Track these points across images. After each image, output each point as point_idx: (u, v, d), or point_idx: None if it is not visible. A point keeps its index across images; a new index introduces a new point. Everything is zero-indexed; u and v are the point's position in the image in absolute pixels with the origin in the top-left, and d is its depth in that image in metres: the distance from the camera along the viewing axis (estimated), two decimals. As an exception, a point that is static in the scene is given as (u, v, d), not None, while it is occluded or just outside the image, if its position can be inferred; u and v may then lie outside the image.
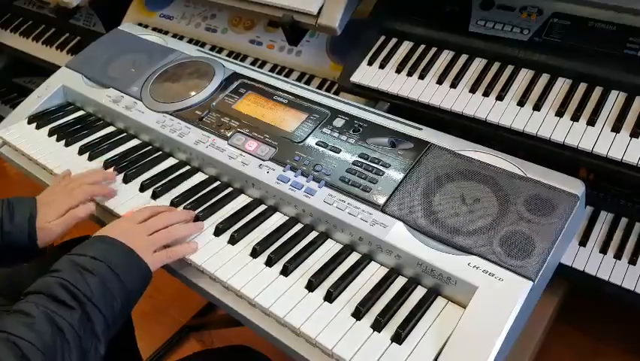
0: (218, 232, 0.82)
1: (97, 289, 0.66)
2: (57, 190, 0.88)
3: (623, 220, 1.02)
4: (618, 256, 0.97)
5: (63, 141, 1.04)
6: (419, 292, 0.71)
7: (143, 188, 0.91)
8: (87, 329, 0.63)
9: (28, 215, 0.81)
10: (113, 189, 0.91)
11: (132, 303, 0.71)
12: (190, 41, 1.46)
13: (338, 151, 0.87)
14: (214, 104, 1.01)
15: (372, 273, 0.75)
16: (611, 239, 1.00)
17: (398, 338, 0.65)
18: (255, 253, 0.78)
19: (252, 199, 0.89)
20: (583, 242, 1.00)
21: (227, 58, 1.15)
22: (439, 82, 1.00)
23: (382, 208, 0.77)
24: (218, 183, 0.93)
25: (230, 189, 0.91)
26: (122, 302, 0.68)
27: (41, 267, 0.94)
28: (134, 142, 1.04)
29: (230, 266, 0.76)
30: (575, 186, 0.75)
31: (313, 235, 0.81)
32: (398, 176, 0.81)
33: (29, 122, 1.10)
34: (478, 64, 1.01)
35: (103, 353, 0.65)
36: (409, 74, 1.03)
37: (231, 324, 1.45)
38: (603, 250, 0.98)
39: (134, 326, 1.17)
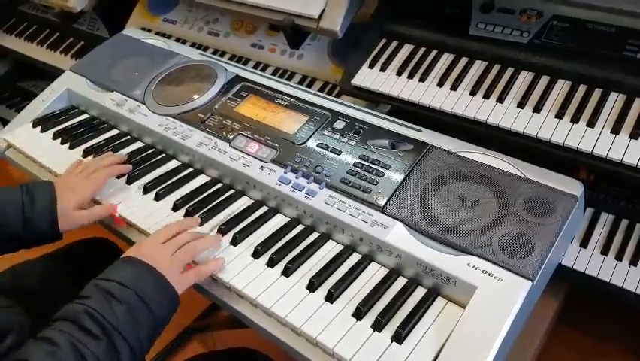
0: (220, 233, 0.82)
1: (124, 318, 0.64)
2: (74, 174, 0.90)
3: (624, 222, 1.02)
4: (619, 257, 0.97)
5: (67, 144, 1.05)
6: (419, 293, 0.72)
7: (146, 190, 0.92)
8: (113, 360, 0.62)
9: (49, 200, 0.81)
10: (129, 167, 0.95)
11: (160, 330, 0.70)
12: (193, 45, 1.47)
13: (339, 153, 0.87)
14: (216, 107, 1.02)
15: (373, 273, 0.75)
16: (612, 240, 0.99)
17: (398, 337, 0.65)
18: (256, 254, 0.78)
19: (253, 201, 0.90)
20: (584, 243, 1.00)
21: (229, 61, 1.16)
22: (440, 84, 1.01)
23: (382, 209, 0.78)
24: (220, 185, 0.94)
25: (232, 191, 0.92)
26: (150, 331, 0.67)
27: (44, 269, 0.95)
28: (137, 145, 1.05)
29: (232, 267, 0.77)
30: (574, 187, 0.75)
31: (314, 235, 0.82)
32: (398, 177, 0.81)
33: (34, 126, 1.11)
34: (479, 66, 1.01)
35: None
36: (410, 76, 1.04)
37: (234, 326, 1.45)
38: (604, 252, 0.98)
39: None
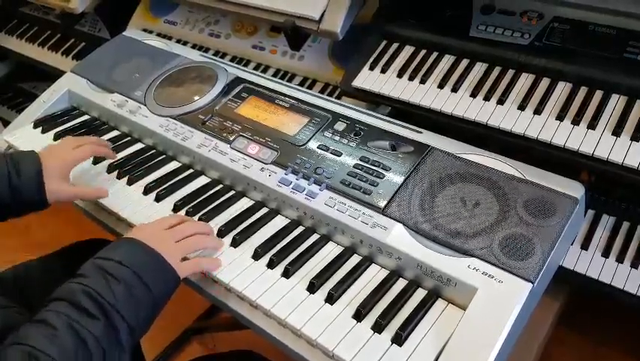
0: (220, 234, 0.82)
1: (122, 296, 0.64)
2: (61, 146, 0.91)
3: (625, 224, 1.02)
4: (620, 259, 0.97)
5: (68, 145, 1.05)
6: (419, 294, 0.72)
7: (146, 191, 0.92)
8: (111, 339, 0.62)
9: (35, 168, 0.82)
10: (114, 154, 0.97)
11: (158, 310, 0.69)
12: (194, 47, 1.48)
13: (339, 154, 0.87)
14: (217, 108, 1.02)
15: (373, 275, 0.75)
16: (612, 243, 1.00)
17: (398, 339, 0.65)
18: (256, 256, 0.78)
19: (253, 202, 0.89)
20: (585, 246, 1.00)
21: (230, 63, 1.16)
22: (440, 86, 1.01)
23: (383, 211, 0.78)
24: (220, 186, 0.93)
25: (232, 192, 0.92)
26: (148, 309, 0.67)
27: (45, 270, 0.95)
28: (138, 146, 1.05)
29: (232, 268, 0.77)
30: (575, 189, 0.75)
31: (314, 237, 0.82)
32: (399, 179, 0.81)
33: (35, 127, 1.11)
34: (479, 68, 1.01)
35: None
36: (411, 78, 1.04)
37: (234, 327, 1.45)
38: (605, 254, 0.98)
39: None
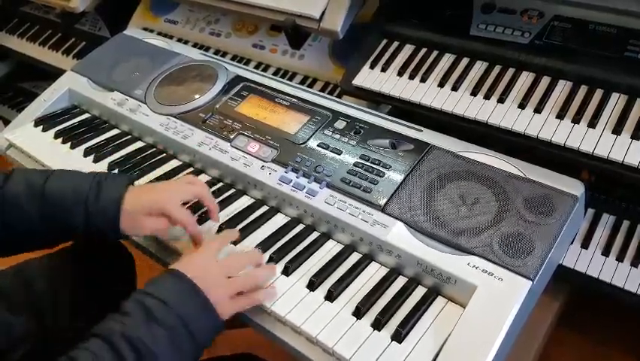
0: (220, 232, 0.82)
1: (163, 345, 0.59)
2: (165, 184, 0.84)
3: (625, 223, 1.03)
4: (620, 258, 0.97)
5: (69, 144, 1.05)
6: (419, 292, 0.72)
7: (146, 189, 0.92)
8: None
9: (115, 197, 0.73)
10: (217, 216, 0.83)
11: (198, 357, 0.64)
12: (194, 45, 1.48)
13: (339, 153, 0.87)
14: (217, 106, 1.02)
15: (373, 273, 0.75)
16: (613, 242, 1.00)
17: (398, 336, 0.65)
18: (256, 254, 0.78)
19: (254, 200, 0.90)
20: (585, 244, 1.00)
21: (230, 61, 1.16)
22: (441, 85, 1.01)
23: (383, 209, 0.78)
24: (220, 184, 0.94)
25: (232, 191, 0.92)
26: (189, 359, 0.62)
27: (49, 268, 0.93)
28: (138, 144, 1.05)
29: (232, 266, 0.77)
30: (575, 187, 0.75)
31: (314, 235, 0.82)
32: (398, 177, 0.81)
33: (35, 125, 1.12)
34: (480, 67, 1.01)
35: None
36: (411, 77, 1.04)
37: (233, 325, 1.44)
38: (605, 253, 0.99)
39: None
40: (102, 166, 0.99)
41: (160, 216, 0.75)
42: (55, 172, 0.78)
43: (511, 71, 0.98)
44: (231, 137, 0.95)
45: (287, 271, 0.75)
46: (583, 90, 0.92)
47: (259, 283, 0.72)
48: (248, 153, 0.92)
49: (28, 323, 0.77)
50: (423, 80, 1.02)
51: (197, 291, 0.64)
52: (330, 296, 0.71)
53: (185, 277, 0.64)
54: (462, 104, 0.96)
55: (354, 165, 0.85)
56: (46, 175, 0.76)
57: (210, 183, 0.93)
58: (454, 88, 0.99)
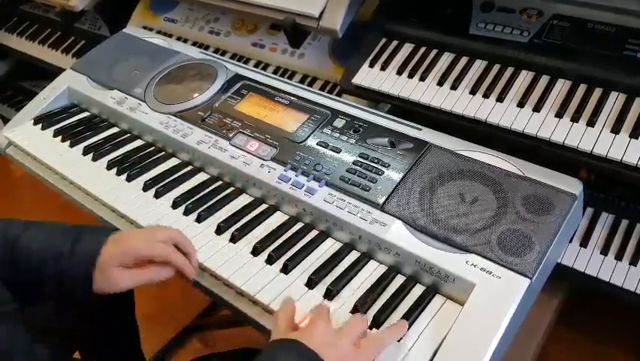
0: (219, 230, 0.82)
1: None
2: (136, 231, 0.77)
3: (624, 222, 1.03)
4: (619, 257, 0.97)
5: (68, 142, 1.05)
6: (417, 290, 0.72)
7: (145, 188, 0.92)
8: None
9: (92, 251, 0.68)
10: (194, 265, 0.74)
11: None
12: (194, 44, 1.48)
13: (338, 151, 0.87)
14: (216, 105, 1.02)
15: (372, 271, 0.75)
16: (611, 240, 1.00)
17: (396, 335, 0.65)
18: (255, 252, 0.78)
19: (253, 198, 0.90)
20: (584, 243, 1.00)
21: (230, 60, 1.16)
22: (440, 84, 1.01)
23: (382, 207, 0.78)
24: (220, 182, 0.94)
25: (231, 189, 0.92)
26: None
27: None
28: (137, 143, 1.05)
29: (231, 264, 0.77)
30: (573, 186, 0.75)
31: (313, 233, 0.82)
32: (397, 175, 0.82)
33: (35, 124, 1.12)
34: (479, 66, 1.01)
35: None
36: (410, 75, 1.04)
37: (233, 324, 1.45)
38: (604, 252, 0.99)
39: (138, 327, 1.17)
40: (101, 164, 0.99)
41: (138, 266, 0.70)
42: (34, 225, 0.72)
43: (510, 70, 0.99)
44: (230, 135, 0.95)
45: (286, 269, 0.75)
46: (582, 89, 0.92)
47: (387, 345, 0.63)
48: (247, 152, 0.92)
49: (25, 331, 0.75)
50: (422, 78, 1.02)
51: None
52: (329, 294, 0.71)
53: (312, 351, 0.56)
54: (461, 102, 0.96)
55: (353, 163, 0.85)
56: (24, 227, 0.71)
57: (209, 182, 0.94)
58: (453, 87, 0.99)
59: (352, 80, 1.08)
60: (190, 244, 0.75)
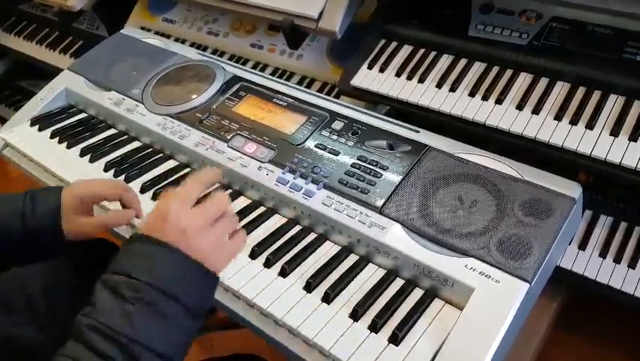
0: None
1: (141, 323, 0.52)
2: (92, 180, 0.82)
3: (623, 224, 1.02)
4: (618, 259, 0.97)
5: (65, 143, 1.05)
6: (416, 294, 0.72)
7: (143, 190, 0.92)
8: None
9: (53, 205, 0.73)
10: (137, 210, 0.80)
11: (199, 320, 0.58)
12: (192, 45, 1.47)
13: (337, 153, 0.87)
14: (214, 106, 1.02)
15: (370, 275, 0.75)
16: (610, 243, 1.00)
17: (395, 339, 0.65)
18: (253, 255, 0.78)
19: (251, 201, 0.89)
20: (582, 246, 1.00)
21: (228, 61, 1.16)
22: (439, 86, 1.00)
23: (380, 210, 0.78)
24: (217, 185, 0.93)
25: (229, 191, 0.91)
26: (184, 326, 0.56)
27: (44, 273, 0.90)
28: (135, 144, 1.05)
29: (228, 267, 0.75)
30: (572, 189, 0.75)
31: (312, 236, 0.82)
32: (396, 178, 0.81)
33: (32, 125, 1.11)
34: (478, 68, 1.01)
35: None
36: (409, 77, 1.04)
37: (231, 327, 1.45)
38: (602, 254, 0.98)
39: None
40: (99, 166, 0.99)
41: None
42: None
43: (509, 72, 0.98)
44: (228, 137, 0.95)
45: (284, 273, 0.75)
46: (581, 91, 0.92)
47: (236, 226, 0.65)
48: (245, 154, 0.91)
49: (31, 332, 0.75)
50: (421, 80, 1.02)
51: (184, 258, 0.57)
52: (327, 298, 0.71)
53: (152, 238, 0.57)
54: (460, 105, 0.96)
55: (352, 166, 0.85)
56: None
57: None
58: (452, 89, 0.99)
59: (351, 82, 1.07)
60: (136, 199, 0.80)
